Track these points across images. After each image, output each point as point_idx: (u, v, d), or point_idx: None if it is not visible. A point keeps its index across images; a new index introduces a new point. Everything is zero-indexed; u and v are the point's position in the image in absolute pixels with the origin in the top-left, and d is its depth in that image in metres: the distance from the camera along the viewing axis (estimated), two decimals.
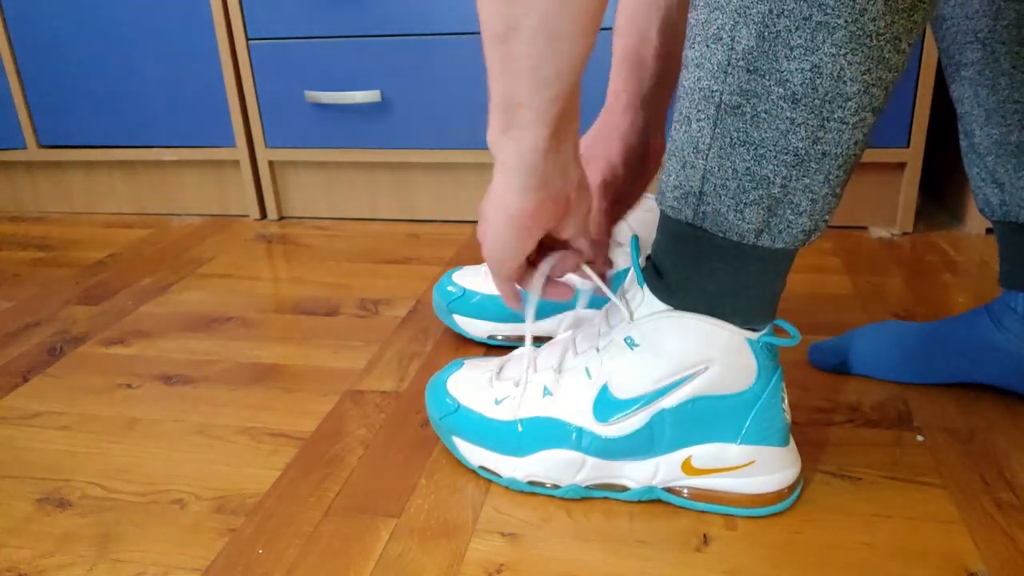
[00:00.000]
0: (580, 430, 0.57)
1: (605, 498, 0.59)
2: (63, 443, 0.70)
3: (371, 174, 1.26)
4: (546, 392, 0.59)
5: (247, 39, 1.19)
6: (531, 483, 0.59)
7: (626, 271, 0.78)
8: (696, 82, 0.48)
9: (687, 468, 0.56)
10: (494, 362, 0.65)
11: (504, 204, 0.50)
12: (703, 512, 0.57)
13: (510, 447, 0.59)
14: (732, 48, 0.46)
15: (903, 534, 0.54)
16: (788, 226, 0.49)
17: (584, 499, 0.59)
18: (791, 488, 0.57)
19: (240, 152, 1.27)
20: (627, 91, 0.65)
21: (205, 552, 0.56)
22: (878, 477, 0.60)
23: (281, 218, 1.32)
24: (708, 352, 0.53)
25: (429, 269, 1.06)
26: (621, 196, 0.66)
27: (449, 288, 0.83)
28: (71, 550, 0.57)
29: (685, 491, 0.57)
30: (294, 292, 1.01)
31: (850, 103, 0.45)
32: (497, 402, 0.61)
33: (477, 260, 1.09)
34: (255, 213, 1.31)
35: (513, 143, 0.47)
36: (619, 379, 0.56)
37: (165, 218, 1.35)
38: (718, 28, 0.46)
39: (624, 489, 0.58)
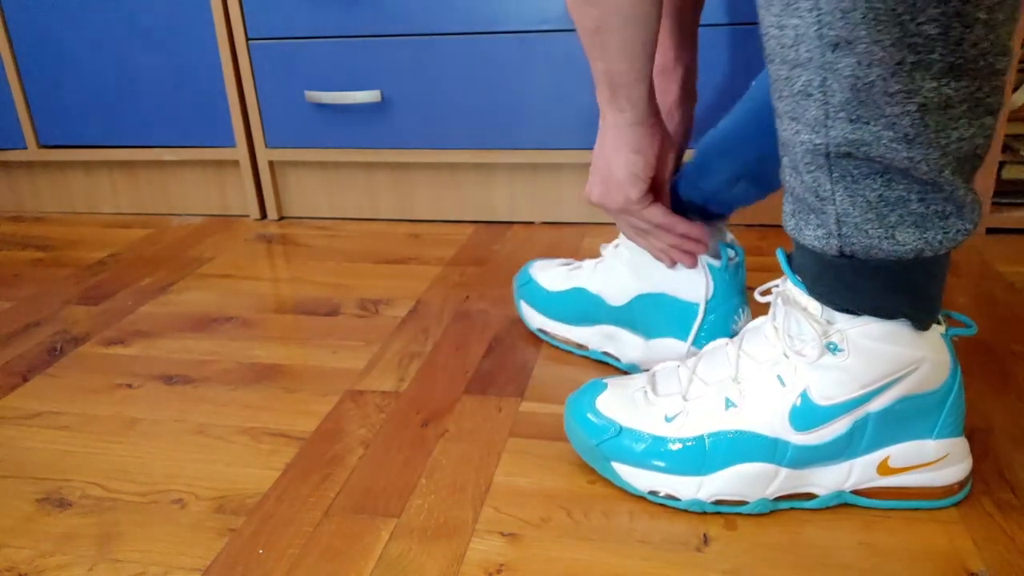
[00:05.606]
0: (776, 440, 0.55)
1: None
2: (63, 443, 0.70)
3: (371, 174, 1.26)
4: (729, 404, 0.56)
5: (247, 39, 1.19)
6: (716, 502, 0.56)
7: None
8: (795, 135, 0.48)
9: (883, 469, 0.55)
10: (637, 380, 0.62)
11: (622, 139, 0.63)
12: (701, 515, 0.57)
13: (691, 466, 0.56)
14: (826, 103, 0.45)
15: (903, 534, 0.54)
16: (943, 232, 0.48)
17: (587, 499, 0.59)
18: (969, 475, 0.57)
19: (240, 152, 1.27)
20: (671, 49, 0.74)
21: (205, 552, 0.56)
22: None
23: (281, 218, 1.32)
24: (920, 352, 0.53)
25: (429, 269, 1.06)
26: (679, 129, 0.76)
27: (530, 272, 0.86)
28: (71, 550, 0.57)
29: (874, 492, 0.56)
30: (294, 292, 1.01)
31: (962, 120, 0.44)
32: (668, 419, 0.57)
33: (476, 260, 1.09)
34: (255, 213, 1.31)
35: (623, 99, 0.61)
36: (821, 386, 0.54)
37: (165, 218, 1.35)
38: (804, 84, 0.45)
39: (811, 497, 0.57)
